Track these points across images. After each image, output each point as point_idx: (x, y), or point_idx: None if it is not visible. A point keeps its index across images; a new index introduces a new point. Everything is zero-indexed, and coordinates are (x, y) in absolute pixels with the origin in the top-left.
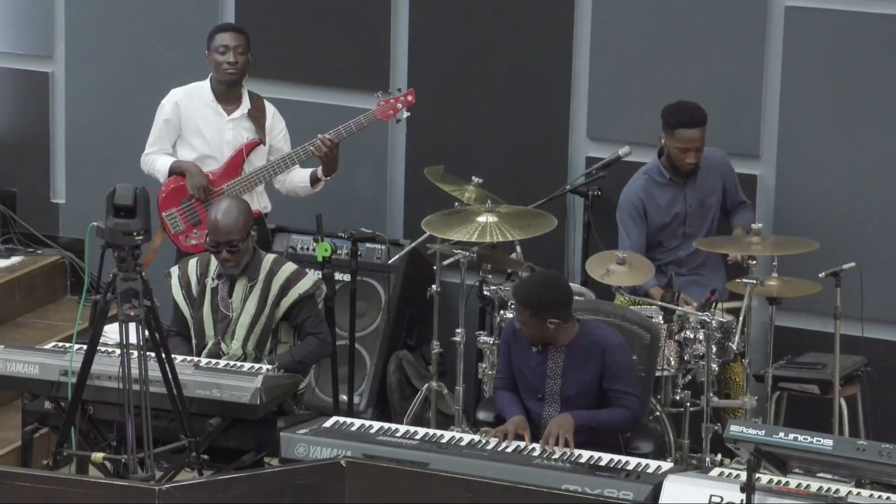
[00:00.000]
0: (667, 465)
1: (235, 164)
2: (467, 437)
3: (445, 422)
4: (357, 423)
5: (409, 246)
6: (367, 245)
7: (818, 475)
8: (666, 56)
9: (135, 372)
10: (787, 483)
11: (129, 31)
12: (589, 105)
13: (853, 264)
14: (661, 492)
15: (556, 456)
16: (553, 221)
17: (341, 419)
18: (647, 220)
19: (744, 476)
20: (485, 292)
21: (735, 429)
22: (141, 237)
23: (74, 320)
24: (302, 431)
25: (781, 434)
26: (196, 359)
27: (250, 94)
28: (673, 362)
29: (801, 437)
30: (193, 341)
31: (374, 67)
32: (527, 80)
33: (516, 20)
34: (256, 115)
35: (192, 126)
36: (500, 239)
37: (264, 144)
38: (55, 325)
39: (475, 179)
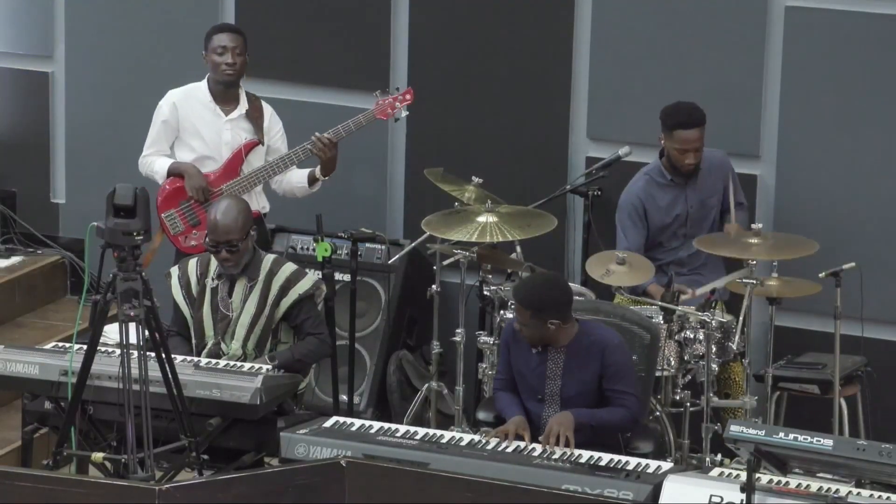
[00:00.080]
0: (667, 465)
1: (234, 164)
2: (467, 437)
3: (445, 422)
4: (357, 423)
5: (409, 246)
6: (367, 245)
7: (818, 475)
8: (666, 56)
9: (135, 372)
10: (787, 483)
11: (129, 31)
12: (589, 105)
13: (853, 264)
14: (661, 492)
15: (556, 456)
16: (553, 221)
17: (341, 419)
18: (647, 221)
19: (744, 476)
20: (485, 292)
21: (735, 429)
22: (141, 237)
23: (74, 320)
24: (302, 431)
25: (781, 434)
26: (196, 359)
27: (248, 94)
28: (673, 362)
29: (801, 437)
30: (193, 341)
31: (374, 67)
32: (527, 80)
33: (516, 20)
34: (254, 116)
35: (190, 127)
36: (500, 239)
37: (263, 145)
38: (55, 325)
39: (475, 179)
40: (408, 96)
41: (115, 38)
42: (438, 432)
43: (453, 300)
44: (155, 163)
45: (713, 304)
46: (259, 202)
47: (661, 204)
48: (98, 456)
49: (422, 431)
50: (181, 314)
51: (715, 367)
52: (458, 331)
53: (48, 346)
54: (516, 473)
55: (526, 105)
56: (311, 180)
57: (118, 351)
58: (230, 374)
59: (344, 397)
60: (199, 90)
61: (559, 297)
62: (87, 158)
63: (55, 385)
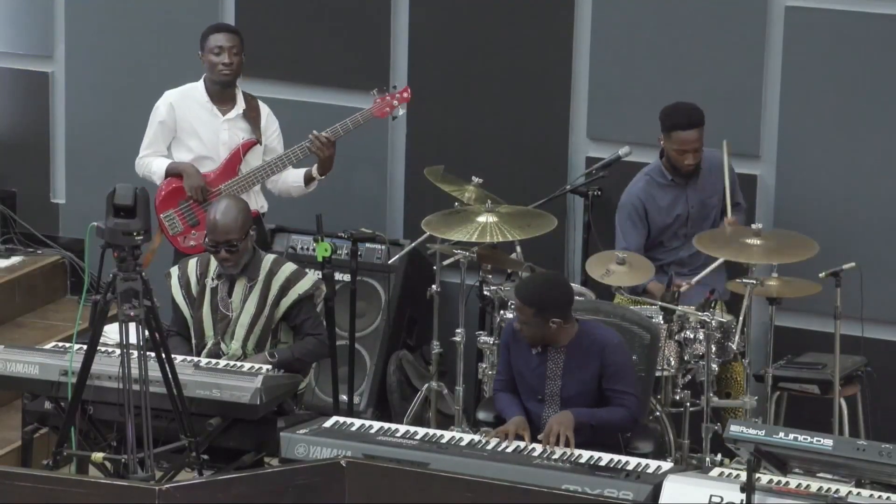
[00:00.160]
0: (667, 465)
1: (232, 164)
2: (467, 437)
3: (445, 422)
4: (357, 423)
5: (409, 246)
6: (367, 245)
7: (818, 475)
8: (666, 56)
9: (135, 372)
10: (787, 483)
11: (129, 31)
12: (589, 105)
13: (853, 264)
14: (661, 492)
15: (556, 456)
16: (553, 221)
17: (341, 419)
18: (648, 222)
19: (744, 476)
20: (485, 292)
21: (735, 429)
22: (141, 237)
23: (74, 320)
24: (302, 431)
25: (781, 434)
26: (196, 359)
27: (244, 94)
28: (673, 362)
29: (801, 437)
30: (193, 341)
31: (374, 67)
32: (527, 80)
33: (516, 20)
34: (251, 116)
35: (188, 127)
36: (500, 239)
37: (260, 144)
38: (55, 325)
39: (475, 179)
40: (405, 94)
41: (115, 38)
42: (438, 432)
43: (453, 300)
44: (152, 163)
45: (713, 304)
46: (257, 202)
47: (661, 204)
48: (98, 456)
49: (422, 431)
50: (181, 314)
51: (715, 367)
52: (458, 331)
53: (48, 346)
54: (516, 473)
55: (526, 105)
56: (308, 179)
57: (118, 351)
58: (230, 374)
59: (344, 397)
60: (196, 90)
61: (561, 295)
62: (87, 158)
63: (55, 385)
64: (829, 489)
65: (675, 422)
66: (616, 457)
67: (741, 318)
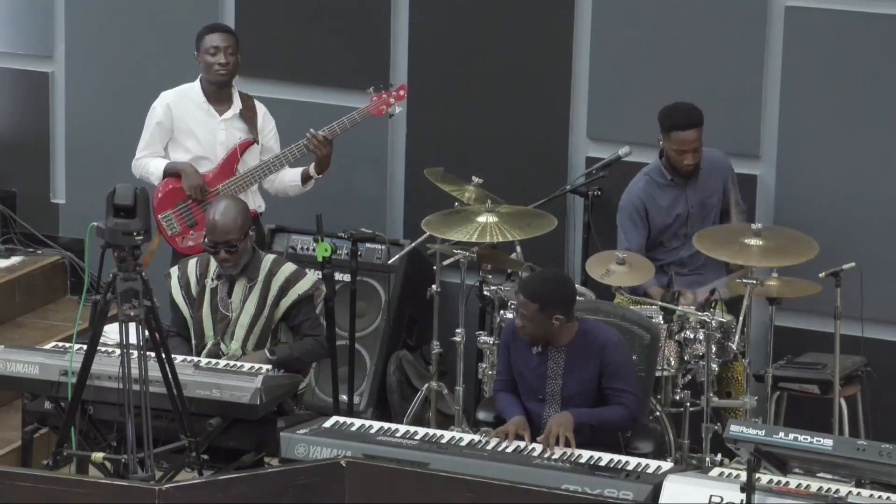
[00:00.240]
0: (667, 465)
1: (230, 164)
2: (467, 437)
3: (445, 422)
4: (357, 423)
5: (409, 246)
6: (367, 245)
7: (818, 475)
8: (666, 56)
9: (135, 372)
10: (787, 483)
11: (129, 31)
12: (589, 105)
13: (853, 264)
14: (661, 492)
15: (556, 456)
16: (553, 221)
17: (341, 419)
18: (648, 222)
19: (744, 476)
20: (485, 292)
21: (735, 429)
22: (141, 237)
23: (74, 320)
24: (302, 431)
25: (781, 434)
26: (196, 359)
27: (241, 93)
28: (673, 362)
29: (801, 437)
30: (193, 341)
31: (374, 67)
32: (527, 80)
33: (516, 20)
34: (248, 115)
35: (185, 128)
36: (500, 239)
37: (257, 144)
38: (55, 325)
39: (475, 179)
40: (401, 92)
41: (115, 38)
42: (438, 432)
43: (453, 300)
44: (150, 164)
45: (713, 304)
46: (255, 201)
47: (661, 204)
48: (98, 456)
49: (422, 431)
50: (181, 314)
51: (715, 367)
52: (458, 331)
53: (48, 346)
54: (516, 473)
55: (526, 105)
56: (305, 178)
57: (118, 351)
58: (230, 374)
59: (344, 397)
60: (192, 91)
61: (565, 292)
62: (87, 158)
63: (55, 385)
64: (829, 489)
65: (675, 422)
66: (616, 457)
67: (741, 318)
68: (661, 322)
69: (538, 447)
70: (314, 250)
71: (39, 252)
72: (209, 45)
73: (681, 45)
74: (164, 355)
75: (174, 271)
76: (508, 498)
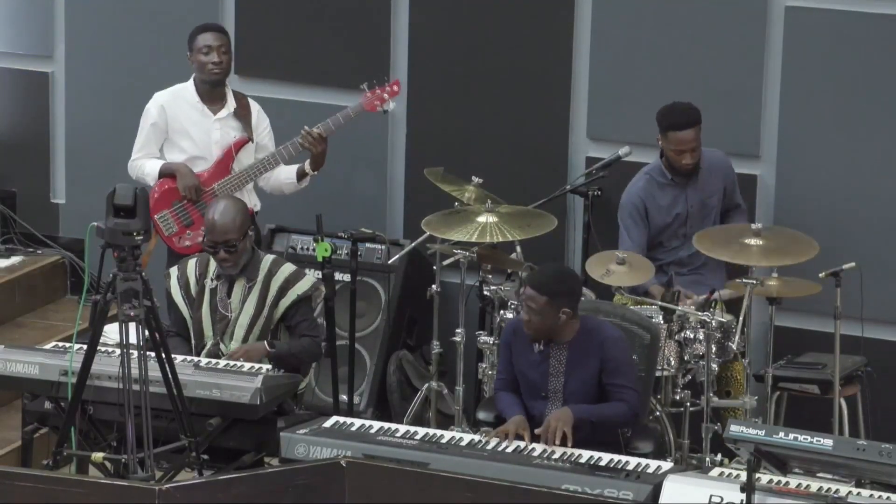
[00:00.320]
0: (667, 465)
1: (225, 163)
2: (467, 437)
3: (445, 422)
4: (357, 423)
5: (409, 246)
6: (367, 245)
7: (818, 475)
8: (666, 56)
9: (135, 372)
10: (787, 483)
11: (129, 31)
12: (589, 105)
13: (853, 264)
14: (661, 492)
15: (556, 456)
16: (553, 221)
17: (341, 419)
18: (648, 221)
19: (744, 476)
20: (485, 292)
21: (735, 429)
22: (141, 237)
23: (74, 320)
24: (302, 431)
25: (781, 434)
26: (196, 359)
27: (234, 92)
28: (673, 362)
29: (801, 437)
30: (192, 342)
31: (374, 67)
32: (527, 80)
33: (516, 20)
34: (242, 114)
35: (179, 128)
36: (500, 239)
37: (252, 142)
38: (55, 325)
39: (475, 179)
40: (395, 88)
41: (115, 38)
42: (438, 432)
43: (453, 300)
44: (145, 165)
45: (713, 304)
46: (251, 200)
47: (661, 203)
48: (98, 456)
49: (422, 431)
50: (180, 315)
51: (715, 367)
52: (458, 331)
53: (48, 346)
54: (516, 473)
55: (526, 105)
56: (300, 175)
57: (118, 351)
58: (230, 374)
59: (344, 397)
60: (185, 91)
61: (573, 285)
62: (87, 158)
63: (55, 385)
64: (829, 489)
65: (675, 422)
66: (616, 457)
67: (741, 318)
68: (661, 322)
69: (538, 447)
70: (314, 250)
71: (39, 252)
72: (202, 44)
73: (681, 45)
74: (164, 355)
75: (174, 271)
76: (508, 498)
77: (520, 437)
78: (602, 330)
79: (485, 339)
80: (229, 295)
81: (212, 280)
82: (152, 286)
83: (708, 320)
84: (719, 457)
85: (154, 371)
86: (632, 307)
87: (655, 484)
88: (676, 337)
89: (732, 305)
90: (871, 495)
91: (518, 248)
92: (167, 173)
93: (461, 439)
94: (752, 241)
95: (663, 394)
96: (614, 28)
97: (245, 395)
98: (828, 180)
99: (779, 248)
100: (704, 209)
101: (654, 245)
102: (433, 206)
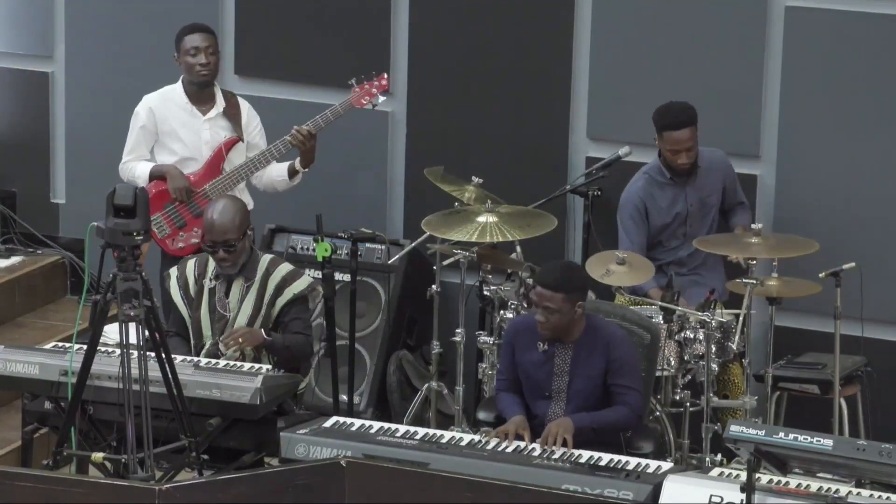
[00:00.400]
0: (667, 465)
1: (216, 163)
2: (467, 437)
3: (445, 422)
4: (357, 423)
5: (409, 246)
6: (367, 245)
7: (818, 475)
8: (666, 56)
9: (135, 372)
10: (787, 483)
11: (129, 31)
12: (589, 105)
13: (853, 264)
14: (661, 492)
15: (556, 456)
16: (553, 221)
17: (341, 419)
18: (648, 221)
19: (744, 476)
20: (485, 292)
21: (735, 429)
22: (141, 237)
23: (74, 320)
24: (302, 431)
25: (781, 434)
26: (196, 359)
27: (223, 91)
28: (673, 362)
29: (801, 437)
30: (192, 342)
31: (374, 67)
32: (527, 80)
33: (516, 20)
34: (232, 113)
35: (169, 130)
36: (500, 239)
37: (243, 141)
38: (55, 325)
39: (475, 179)
40: (384, 82)
41: (115, 38)
42: (438, 432)
43: (453, 300)
44: (136, 168)
45: (713, 304)
46: (243, 199)
47: (661, 203)
48: (98, 456)
49: (422, 431)
50: (179, 315)
51: (715, 367)
52: (458, 331)
53: (48, 346)
54: (516, 473)
55: (526, 105)
56: (292, 173)
57: (118, 351)
58: (230, 374)
59: (344, 397)
60: (174, 92)
61: (583, 276)
62: (87, 158)
63: (55, 385)
64: (829, 489)
65: (675, 422)
66: (616, 457)
67: (741, 318)
68: (661, 322)
69: (538, 447)
70: (314, 250)
71: (39, 252)
72: (189, 45)
73: (681, 45)
74: (164, 355)
75: (173, 272)
76: (508, 498)
77: (520, 438)
78: (608, 329)
79: (485, 339)
80: (227, 295)
81: (210, 280)
82: (150, 287)
83: (708, 320)
84: (719, 457)
85: (154, 371)
86: (632, 307)
87: (655, 484)
88: (676, 337)
89: (732, 305)
90: (871, 495)
91: (518, 249)
92: (158, 176)
93: (461, 439)
94: (753, 241)
95: (663, 394)
96: (614, 28)
97: (245, 395)
98: (828, 180)
99: (779, 245)
100: (704, 208)
101: (654, 245)
102: (433, 206)
